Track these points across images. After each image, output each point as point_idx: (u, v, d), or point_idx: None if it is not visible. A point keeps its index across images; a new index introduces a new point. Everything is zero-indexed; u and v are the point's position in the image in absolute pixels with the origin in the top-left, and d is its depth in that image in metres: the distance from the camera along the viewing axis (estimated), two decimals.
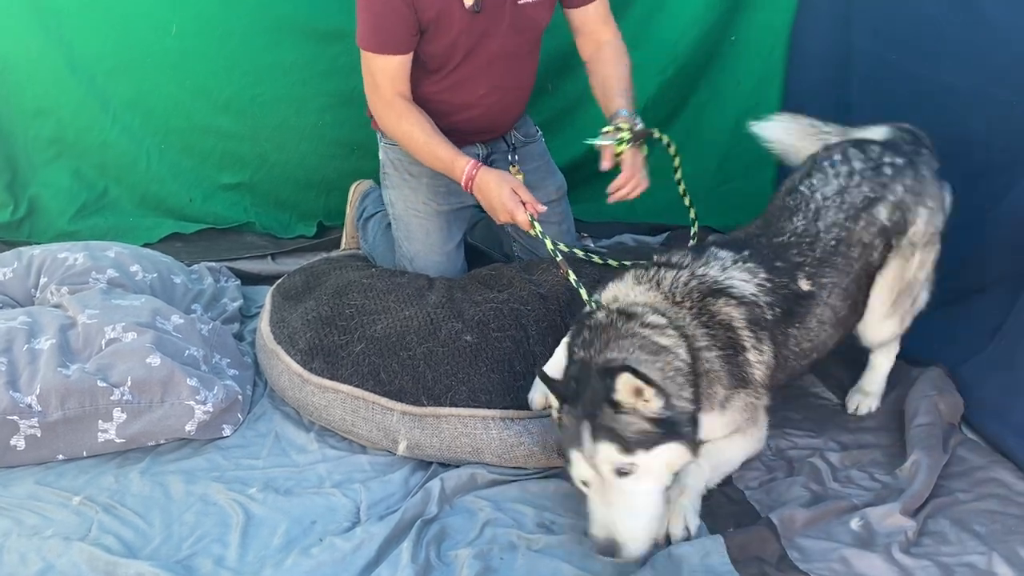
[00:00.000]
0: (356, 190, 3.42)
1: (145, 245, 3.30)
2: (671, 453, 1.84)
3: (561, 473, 2.21)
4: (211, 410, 2.30)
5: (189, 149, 3.59)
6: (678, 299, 2.07)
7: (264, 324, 2.63)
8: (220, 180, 3.66)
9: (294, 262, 3.34)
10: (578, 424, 1.83)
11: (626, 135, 2.44)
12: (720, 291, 2.08)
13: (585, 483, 1.86)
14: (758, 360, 2.08)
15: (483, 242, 3.18)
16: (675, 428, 1.84)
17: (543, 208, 2.41)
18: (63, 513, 2.07)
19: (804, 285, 2.15)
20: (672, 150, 2.63)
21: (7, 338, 2.32)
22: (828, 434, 2.34)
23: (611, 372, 1.79)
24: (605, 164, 2.47)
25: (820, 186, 2.23)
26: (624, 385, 1.79)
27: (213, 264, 3.17)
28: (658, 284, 2.11)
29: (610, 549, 1.78)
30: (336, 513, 2.10)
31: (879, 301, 2.25)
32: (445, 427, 2.23)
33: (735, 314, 2.07)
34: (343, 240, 3.47)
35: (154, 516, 2.08)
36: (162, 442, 2.31)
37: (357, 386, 2.32)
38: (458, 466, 2.23)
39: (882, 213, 2.18)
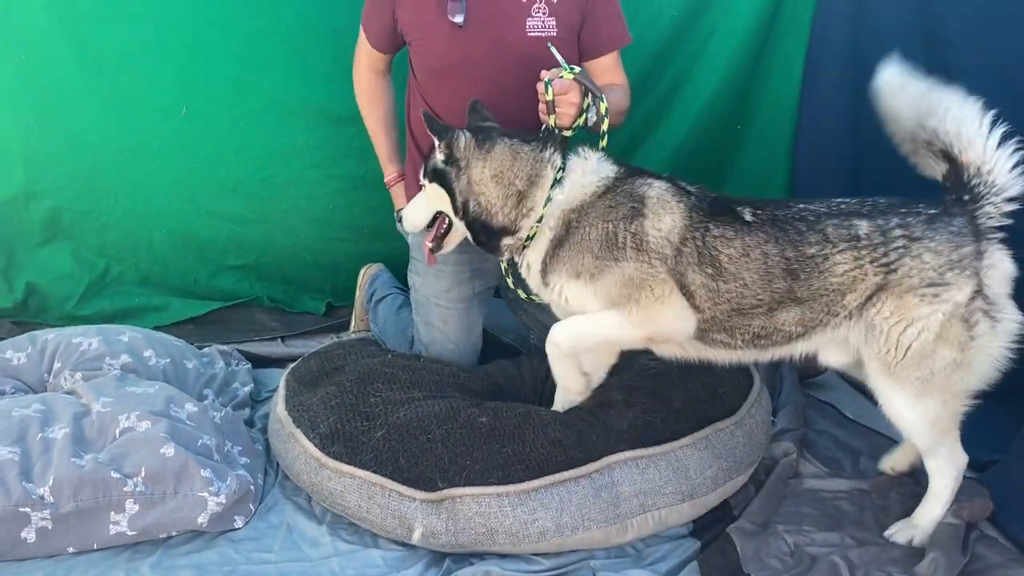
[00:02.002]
0: (366, 273, 3.46)
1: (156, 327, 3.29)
2: (438, 194, 2.39)
3: (577, 570, 2.20)
4: (224, 501, 2.28)
5: (194, 233, 3.54)
6: (616, 171, 2.31)
7: (280, 408, 2.62)
8: (226, 263, 3.63)
9: (304, 343, 3.36)
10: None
11: (577, 70, 2.39)
12: (655, 175, 2.33)
13: None
14: (655, 227, 2.22)
15: (494, 327, 3.19)
16: (443, 179, 2.36)
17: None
18: None
19: (746, 214, 2.22)
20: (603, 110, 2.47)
21: (21, 427, 2.30)
22: (846, 530, 2.32)
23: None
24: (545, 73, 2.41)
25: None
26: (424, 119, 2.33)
27: (224, 348, 3.17)
28: (618, 162, 2.36)
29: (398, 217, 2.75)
30: None
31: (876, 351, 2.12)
32: (460, 508, 2.21)
33: (655, 187, 2.28)
34: (352, 322, 3.50)
35: None
36: (173, 534, 2.27)
37: (375, 472, 2.31)
38: (471, 563, 2.20)
39: (862, 227, 2.12)
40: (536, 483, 2.21)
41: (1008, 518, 2.30)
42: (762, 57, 3.50)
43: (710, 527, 2.36)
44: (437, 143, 2.34)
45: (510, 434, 2.34)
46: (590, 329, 2.34)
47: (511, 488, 2.21)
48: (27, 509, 2.14)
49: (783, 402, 2.91)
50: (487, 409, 2.44)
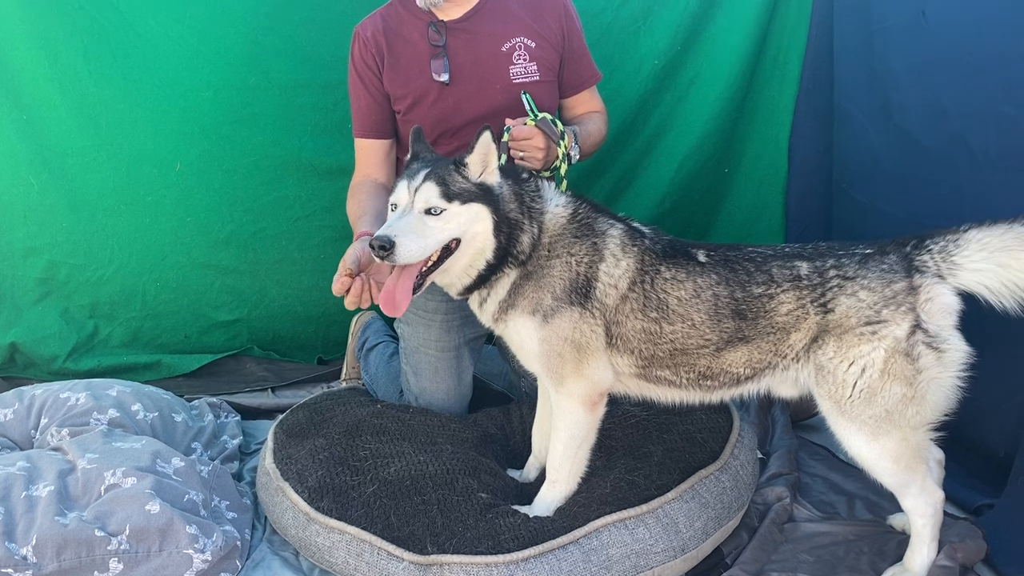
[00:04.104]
0: (358, 321, 3.47)
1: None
2: (478, 214, 2.16)
3: None
4: (210, 559, 2.25)
5: (186, 286, 3.60)
6: (580, 208, 2.28)
7: (269, 461, 2.60)
8: (217, 318, 3.66)
9: (293, 394, 3.36)
10: (420, 168, 2.19)
11: (539, 117, 2.51)
12: (616, 217, 2.32)
13: (395, 205, 2.20)
14: (608, 273, 2.21)
15: (483, 374, 3.19)
16: (494, 199, 2.17)
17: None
18: None
19: (700, 256, 2.25)
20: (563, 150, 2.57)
21: (4, 485, 2.29)
22: None
23: (479, 132, 2.14)
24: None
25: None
26: (483, 141, 2.13)
27: (213, 400, 3.16)
28: (583, 201, 2.32)
29: (385, 244, 2.05)
30: None
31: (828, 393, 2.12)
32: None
33: (616, 228, 2.28)
34: (343, 370, 3.49)
35: None
36: None
37: (365, 529, 2.27)
38: None
39: (802, 268, 2.16)
40: (525, 553, 2.17)
41: (1004, 561, 2.26)
42: (747, 102, 3.56)
43: None
44: (498, 164, 2.20)
45: (504, 508, 2.33)
46: (563, 448, 2.34)
47: (500, 558, 2.16)
48: (9, 570, 2.11)
49: (776, 446, 2.89)
50: (485, 484, 2.43)
